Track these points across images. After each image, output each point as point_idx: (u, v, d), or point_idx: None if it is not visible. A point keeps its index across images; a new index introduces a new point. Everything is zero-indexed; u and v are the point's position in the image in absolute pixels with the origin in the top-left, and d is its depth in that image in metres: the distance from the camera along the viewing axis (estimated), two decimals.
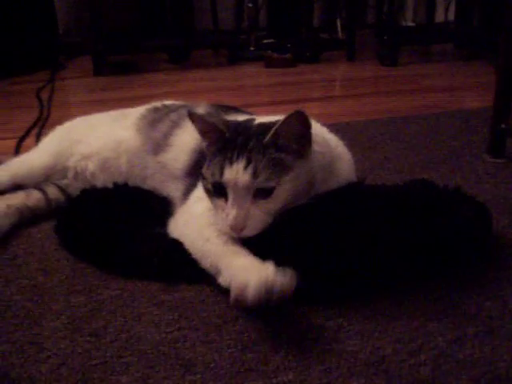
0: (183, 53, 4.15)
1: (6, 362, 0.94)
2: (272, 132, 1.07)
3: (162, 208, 1.35)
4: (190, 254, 1.14)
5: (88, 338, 0.99)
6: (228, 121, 1.15)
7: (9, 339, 1.00)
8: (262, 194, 1.06)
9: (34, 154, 1.58)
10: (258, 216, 1.06)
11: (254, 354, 0.94)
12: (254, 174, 1.04)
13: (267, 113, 1.57)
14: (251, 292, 0.93)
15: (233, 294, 0.96)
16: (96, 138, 1.52)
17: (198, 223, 1.16)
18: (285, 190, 1.07)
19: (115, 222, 1.27)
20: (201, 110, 1.45)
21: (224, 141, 1.10)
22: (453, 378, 0.87)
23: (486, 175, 1.73)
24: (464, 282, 1.12)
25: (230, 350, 0.95)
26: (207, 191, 1.12)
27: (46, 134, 1.76)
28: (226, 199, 1.07)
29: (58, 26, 3.99)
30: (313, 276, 1.04)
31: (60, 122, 1.69)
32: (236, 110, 1.49)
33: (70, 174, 1.54)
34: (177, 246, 1.17)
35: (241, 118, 1.36)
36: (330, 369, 0.89)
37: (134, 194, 1.42)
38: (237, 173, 1.05)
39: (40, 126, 2.33)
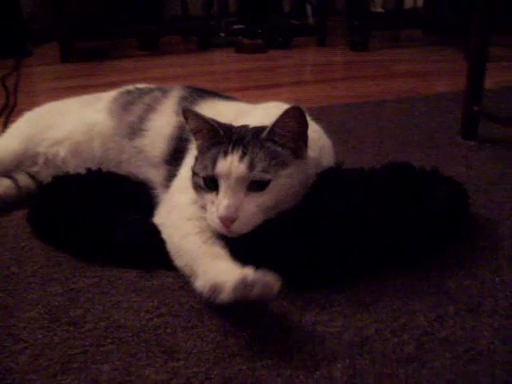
0: (153, 39, 4.10)
1: None
2: (269, 128, 1.06)
3: (138, 193, 1.33)
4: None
5: (66, 328, 0.96)
6: (221, 122, 1.12)
7: None
8: (256, 186, 1.04)
9: (3, 141, 1.53)
10: (251, 209, 1.03)
11: (237, 338, 0.93)
12: (250, 165, 1.02)
13: (238, 98, 1.55)
14: (227, 291, 0.88)
15: (206, 292, 0.92)
16: (67, 122, 1.48)
17: (178, 215, 1.12)
18: (279, 185, 1.05)
19: (90, 209, 1.24)
20: (176, 92, 1.42)
21: (217, 138, 1.09)
22: (436, 355, 0.87)
23: (459, 157, 1.75)
24: (443, 262, 1.13)
25: (212, 336, 0.93)
26: (197, 187, 1.09)
27: (13, 121, 1.70)
28: (217, 192, 1.05)
29: (21, 11, 3.88)
30: (293, 260, 1.03)
31: (27, 109, 1.64)
32: (211, 93, 1.46)
33: (41, 161, 1.50)
34: (155, 232, 1.14)
35: (218, 101, 1.35)
36: (314, 351, 0.89)
37: (108, 180, 1.38)
38: (231, 164, 1.03)
39: (7, 114, 2.26)
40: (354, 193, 1.13)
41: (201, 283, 0.97)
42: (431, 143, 1.89)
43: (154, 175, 1.34)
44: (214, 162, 1.05)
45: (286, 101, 1.40)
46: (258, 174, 1.03)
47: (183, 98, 1.40)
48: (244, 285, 0.87)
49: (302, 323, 0.96)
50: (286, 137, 1.07)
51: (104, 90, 1.64)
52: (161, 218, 1.17)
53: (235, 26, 4.29)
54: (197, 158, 1.13)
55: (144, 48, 4.05)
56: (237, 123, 1.15)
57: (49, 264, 1.17)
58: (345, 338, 0.91)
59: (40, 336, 0.95)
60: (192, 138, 1.21)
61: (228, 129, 1.11)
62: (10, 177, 1.46)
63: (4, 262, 1.19)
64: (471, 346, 0.89)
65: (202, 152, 1.12)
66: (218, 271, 0.96)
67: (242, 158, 1.03)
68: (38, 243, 1.25)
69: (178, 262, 1.07)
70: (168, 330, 0.95)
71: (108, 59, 3.72)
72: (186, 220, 1.10)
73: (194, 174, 1.11)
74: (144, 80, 3.06)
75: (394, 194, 1.15)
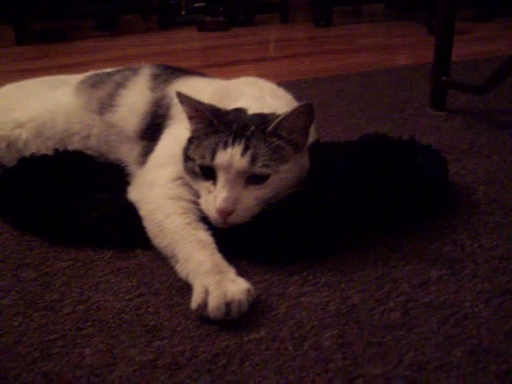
0: (111, 19, 3.99)
1: None
2: (277, 121, 1.03)
3: (108, 173, 1.29)
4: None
5: (43, 313, 0.93)
6: (218, 108, 1.09)
7: None
8: (255, 180, 1.02)
9: None
10: (249, 202, 1.01)
11: None
12: (252, 160, 1.00)
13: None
14: (211, 311, 0.87)
15: (194, 310, 0.89)
16: (33, 104, 1.42)
17: (160, 193, 1.09)
18: (279, 179, 1.03)
19: (59, 190, 1.19)
20: (147, 70, 1.38)
21: (213, 126, 1.05)
22: (422, 320, 0.87)
23: (430, 127, 1.76)
24: (423, 229, 1.14)
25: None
26: (192, 173, 1.06)
27: None
28: (214, 182, 1.02)
29: None
30: (275, 233, 1.02)
31: None
32: (183, 70, 1.43)
33: (3, 145, 1.43)
34: (129, 209, 1.11)
35: (193, 78, 1.31)
36: (301, 322, 0.88)
37: (76, 160, 1.33)
38: (231, 157, 1.00)
39: None
40: (334, 166, 1.12)
41: (181, 269, 0.98)
42: (400, 115, 1.90)
43: (128, 151, 1.30)
44: (213, 153, 1.02)
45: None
46: (258, 169, 1.01)
47: (156, 75, 1.36)
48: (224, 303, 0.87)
49: (286, 295, 0.95)
50: (293, 132, 1.05)
51: (63, 72, 1.59)
52: (138, 194, 1.14)
53: (196, 4, 4.22)
54: (191, 142, 1.09)
55: (103, 28, 3.95)
56: (223, 105, 1.12)
57: (20, 249, 1.12)
58: (330, 309, 0.91)
59: (16, 323, 0.91)
60: (170, 113, 1.18)
61: (225, 115, 1.08)
62: None
63: None
64: (456, 309, 0.90)
65: (197, 138, 1.08)
66: (197, 263, 0.95)
67: (244, 152, 1.00)
68: (7, 228, 1.20)
69: (159, 241, 1.04)
70: (150, 310, 0.93)
71: (66, 40, 3.61)
72: (169, 199, 1.07)
73: (189, 158, 1.07)
74: (104, 61, 3.01)
75: (374, 164, 1.14)
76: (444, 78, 1.84)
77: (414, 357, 0.80)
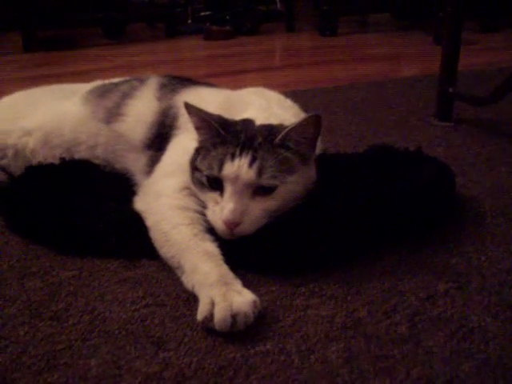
0: (119, 27, 4.01)
1: None
2: (284, 132, 1.03)
3: (115, 182, 1.29)
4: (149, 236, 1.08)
5: (49, 323, 0.92)
6: (225, 119, 1.09)
7: None
8: (262, 191, 1.02)
9: None
10: (256, 213, 1.01)
11: None
12: (260, 172, 1.00)
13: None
14: (217, 323, 0.87)
15: (200, 321, 0.89)
16: (40, 112, 1.42)
17: (167, 203, 1.09)
18: (285, 191, 1.03)
19: (66, 199, 1.19)
20: (154, 80, 1.39)
21: (221, 137, 1.05)
22: (429, 334, 0.87)
23: (436, 138, 1.75)
24: (429, 241, 1.13)
25: None
26: (199, 183, 1.07)
27: None
28: (221, 193, 1.02)
29: None
30: (281, 245, 1.02)
31: None
32: (190, 80, 1.43)
33: (10, 153, 1.43)
34: (135, 220, 1.11)
35: (200, 88, 1.31)
36: (308, 335, 0.87)
37: (82, 169, 1.34)
38: (238, 168, 1.00)
39: None
40: (341, 178, 1.12)
41: (187, 280, 0.98)
42: (406, 125, 1.89)
43: (134, 161, 1.30)
44: (221, 164, 1.02)
45: (257, 86, 1.38)
46: (266, 180, 1.01)
47: (163, 85, 1.37)
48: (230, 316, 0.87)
49: (292, 307, 0.94)
50: (301, 143, 1.05)
51: (70, 79, 1.60)
52: (144, 204, 1.14)
53: (203, 13, 4.24)
54: (198, 152, 1.09)
55: (110, 36, 3.97)
56: (230, 115, 1.12)
57: (26, 257, 1.12)
58: (337, 321, 0.90)
59: (22, 333, 0.90)
60: (177, 123, 1.18)
61: (232, 126, 1.07)
62: None
63: None
64: (463, 323, 0.89)
65: (205, 148, 1.08)
66: (203, 274, 0.95)
67: (251, 164, 1.00)
68: (13, 237, 1.20)
69: (165, 252, 1.04)
70: (156, 321, 0.92)
71: (73, 48, 3.63)
72: (176, 209, 1.07)
73: (196, 169, 1.07)
74: (110, 69, 3.02)
75: (381, 176, 1.14)
76: (450, 90, 1.84)
77: (421, 371, 0.79)
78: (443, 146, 1.68)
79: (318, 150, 1.17)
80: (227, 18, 4.00)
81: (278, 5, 4.50)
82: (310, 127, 1.04)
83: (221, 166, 1.02)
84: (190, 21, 4.20)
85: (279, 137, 1.03)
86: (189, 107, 1.08)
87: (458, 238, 1.15)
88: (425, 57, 3.09)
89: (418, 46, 3.47)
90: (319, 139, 1.13)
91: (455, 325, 0.89)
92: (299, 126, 1.03)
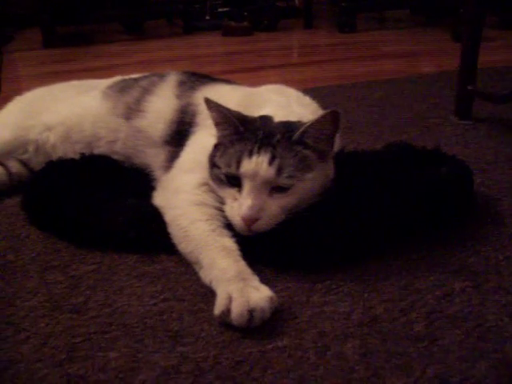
0: (137, 23, 4.03)
1: None
2: (302, 129, 1.04)
3: (135, 178, 1.30)
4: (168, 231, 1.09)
5: (69, 315, 0.94)
6: (244, 115, 1.10)
7: None
8: (279, 188, 1.02)
9: None
10: (274, 210, 1.02)
11: None
12: (279, 170, 1.01)
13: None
14: (234, 318, 0.88)
15: (217, 316, 0.90)
16: (61, 108, 1.44)
17: (186, 199, 1.10)
18: (303, 188, 1.04)
19: (86, 194, 1.21)
20: (173, 77, 1.40)
21: (240, 133, 1.06)
22: (446, 332, 0.87)
23: (454, 137, 1.74)
24: (446, 240, 1.13)
25: None
26: (217, 179, 1.07)
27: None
28: (240, 189, 1.03)
29: None
30: (298, 242, 1.03)
31: (12, 95, 1.59)
32: (209, 78, 1.44)
33: (31, 148, 1.46)
34: (154, 215, 1.12)
35: (219, 85, 1.31)
36: (324, 332, 0.88)
37: (102, 164, 1.35)
38: (256, 165, 1.01)
39: None
40: (360, 176, 1.13)
41: (204, 275, 0.99)
42: (425, 123, 1.88)
43: (153, 156, 1.32)
44: (239, 162, 1.02)
45: (275, 83, 1.39)
46: (285, 180, 1.02)
47: (182, 82, 1.38)
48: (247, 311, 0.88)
49: (309, 304, 0.95)
50: (319, 140, 1.05)
51: (90, 75, 1.61)
52: (163, 199, 1.15)
53: (221, 9, 4.24)
54: (217, 149, 1.10)
55: (129, 32, 3.99)
56: (249, 112, 1.12)
57: (46, 251, 1.15)
58: (354, 318, 0.91)
59: (42, 325, 0.93)
60: (196, 120, 1.19)
61: (251, 123, 1.08)
62: (1, 164, 1.42)
63: None
64: (480, 322, 0.89)
65: (223, 145, 1.09)
66: (221, 270, 0.96)
67: (271, 162, 1.01)
68: (34, 230, 1.23)
69: (184, 247, 1.05)
70: (174, 315, 0.94)
71: (92, 44, 3.66)
72: (194, 205, 1.08)
73: (215, 165, 1.08)
74: (129, 64, 3.04)
75: (399, 173, 1.14)
76: (470, 87, 1.83)
77: (437, 369, 0.80)
78: (461, 144, 1.67)
79: (337, 146, 1.18)
80: (245, 14, 4.00)
81: (297, 1, 4.49)
82: (329, 123, 1.05)
83: (238, 164, 1.03)
84: (207, 17, 4.21)
85: (297, 133, 1.04)
86: (209, 103, 1.09)
87: (475, 237, 1.15)
88: (444, 54, 3.06)
89: (436, 42, 3.44)
90: (338, 136, 1.13)
91: (471, 323, 0.89)
92: (317, 123, 1.04)
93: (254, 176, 1.01)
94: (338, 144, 1.19)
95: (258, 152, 1.02)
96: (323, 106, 1.33)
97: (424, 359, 0.82)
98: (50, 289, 1.02)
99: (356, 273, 1.03)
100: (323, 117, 1.03)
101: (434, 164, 1.19)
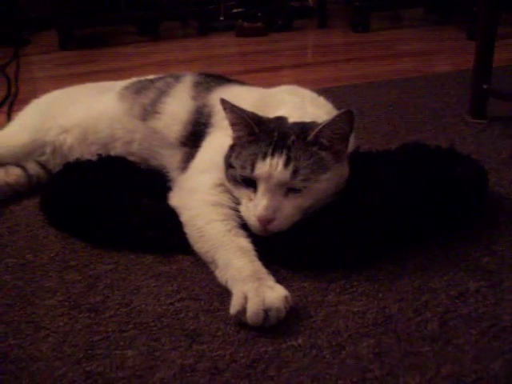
0: (152, 25, 4.06)
1: (2, 344, 0.90)
2: (317, 129, 1.04)
3: (151, 179, 1.32)
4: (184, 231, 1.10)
5: (87, 314, 0.96)
6: (260, 116, 1.11)
7: (3, 320, 0.96)
8: (294, 188, 1.03)
9: (11, 131, 1.51)
10: (289, 210, 1.03)
11: None
12: (294, 173, 1.02)
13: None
14: (249, 317, 0.89)
15: (233, 315, 0.91)
16: (78, 110, 1.46)
17: (202, 199, 1.12)
18: (318, 189, 1.05)
19: (103, 195, 1.23)
20: (189, 78, 1.41)
21: (255, 134, 1.07)
22: (461, 332, 0.87)
23: (469, 136, 1.73)
24: (460, 239, 1.13)
25: None
26: (233, 180, 1.09)
27: (17, 109, 1.68)
28: (255, 190, 1.04)
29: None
30: (313, 242, 1.03)
31: (29, 97, 1.62)
32: (224, 79, 1.45)
33: (49, 150, 1.48)
34: (170, 215, 1.14)
35: (234, 86, 1.33)
36: (339, 331, 0.89)
37: (119, 166, 1.37)
38: (271, 167, 1.02)
39: (10, 104, 2.24)
40: (374, 176, 1.13)
41: (220, 275, 1.00)
42: (439, 122, 1.88)
43: (169, 157, 1.33)
44: (253, 164, 1.03)
45: (290, 83, 1.40)
46: (300, 182, 1.02)
47: (198, 84, 1.39)
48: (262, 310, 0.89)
49: (324, 303, 0.96)
50: (334, 140, 1.06)
51: (105, 77, 1.63)
52: (179, 200, 1.16)
53: (235, 10, 4.24)
54: (233, 150, 1.11)
55: (143, 34, 4.02)
56: (264, 113, 1.13)
57: (65, 251, 1.17)
58: (368, 317, 0.91)
59: (61, 323, 0.94)
60: (211, 121, 1.21)
61: (266, 124, 1.09)
62: (19, 165, 1.45)
63: (19, 250, 1.18)
64: (494, 322, 0.89)
65: (239, 145, 1.10)
66: (237, 269, 0.97)
67: (286, 164, 1.02)
68: (52, 231, 1.25)
69: (199, 247, 1.07)
70: (190, 314, 0.95)
71: (108, 46, 3.69)
72: (210, 205, 1.10)
73: (230, 166, 1.09)
74: (145, 66, 3.06)
75: (413, 173, 1.14)
76: (485, 86, 1.82)
77: (451, 369, 0.80)
78: (476, 143, 1.67)
79: (351, 146, 1.18)
80: (259, 14, 4.00)
81: (310, 1, 4.49)
82: (343, 124, 1.05)
83: (253, 166, 1.04)
84: (222, 18, 4.22)
85: (312, 134, 1.05)
86: (225, 103, 1.10)
87: (490, 237, 1.14)
88: (458, 52, 3.04)
89: (451, 41, 3.42)
90: (352, 136, 1.14)
91: (486, 323, 0.89)
92: (332, 123, 1.04)
93: (268, 178, 1.02)
94: (352, 144, 1.19)
95: (273, 154, 1.03)
96: (338, 106, 1.33)
97: (438, 359, 0.82)
98: (69, 288, 1.04)
99: (370, 272, 1.03)
100: (338, 117, 1.04)
101: (448, 163, 1.19)
